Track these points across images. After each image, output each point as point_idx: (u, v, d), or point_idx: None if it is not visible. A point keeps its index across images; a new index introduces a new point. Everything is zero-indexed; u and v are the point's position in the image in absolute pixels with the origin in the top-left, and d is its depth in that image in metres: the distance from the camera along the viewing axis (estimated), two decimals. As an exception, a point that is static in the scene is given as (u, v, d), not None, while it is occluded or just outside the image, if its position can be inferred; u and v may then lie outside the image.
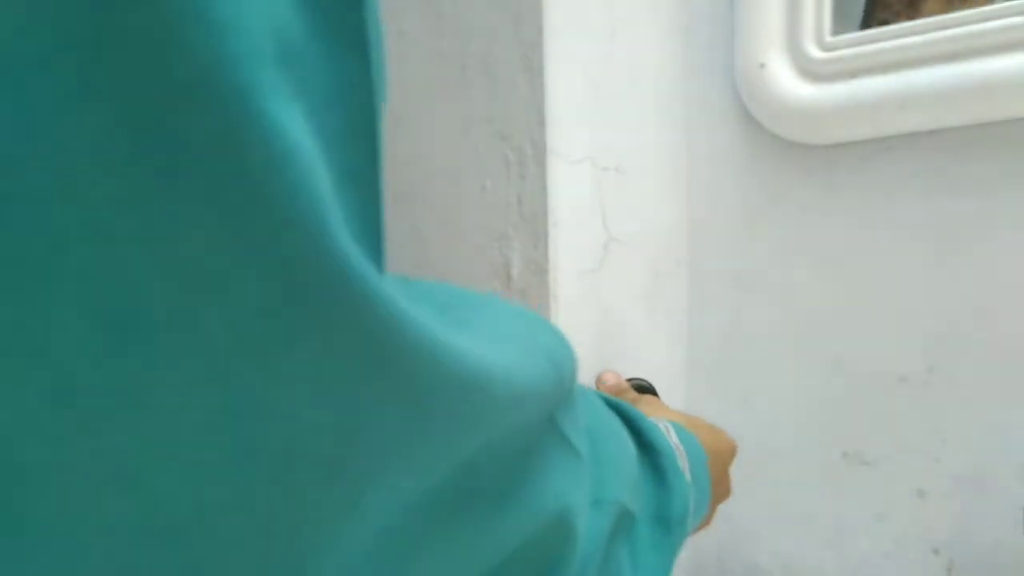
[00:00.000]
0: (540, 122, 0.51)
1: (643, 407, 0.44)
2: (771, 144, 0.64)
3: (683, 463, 0.36)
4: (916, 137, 0.59)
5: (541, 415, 0.22)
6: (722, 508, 0.67)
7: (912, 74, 0.56)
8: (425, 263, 0.57)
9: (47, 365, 0.11)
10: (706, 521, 0.44)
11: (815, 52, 0.60)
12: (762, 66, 0.61)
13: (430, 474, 0.17)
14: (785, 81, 0.61)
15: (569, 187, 0.53)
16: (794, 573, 0.66)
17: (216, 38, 0.11)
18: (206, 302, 0.12)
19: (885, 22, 0.60)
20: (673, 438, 0.37)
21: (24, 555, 0.12)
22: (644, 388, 0.55)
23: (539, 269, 0.52)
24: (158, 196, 0.11)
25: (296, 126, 0.12)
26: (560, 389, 0.22)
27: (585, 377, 0.54)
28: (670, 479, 0.34)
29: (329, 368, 0.14)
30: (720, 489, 0.44)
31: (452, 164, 0.55)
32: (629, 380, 0.54)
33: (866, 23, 0.63)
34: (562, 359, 0.22)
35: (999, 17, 0.53)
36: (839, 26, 0.61)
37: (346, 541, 0.15)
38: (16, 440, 0.12)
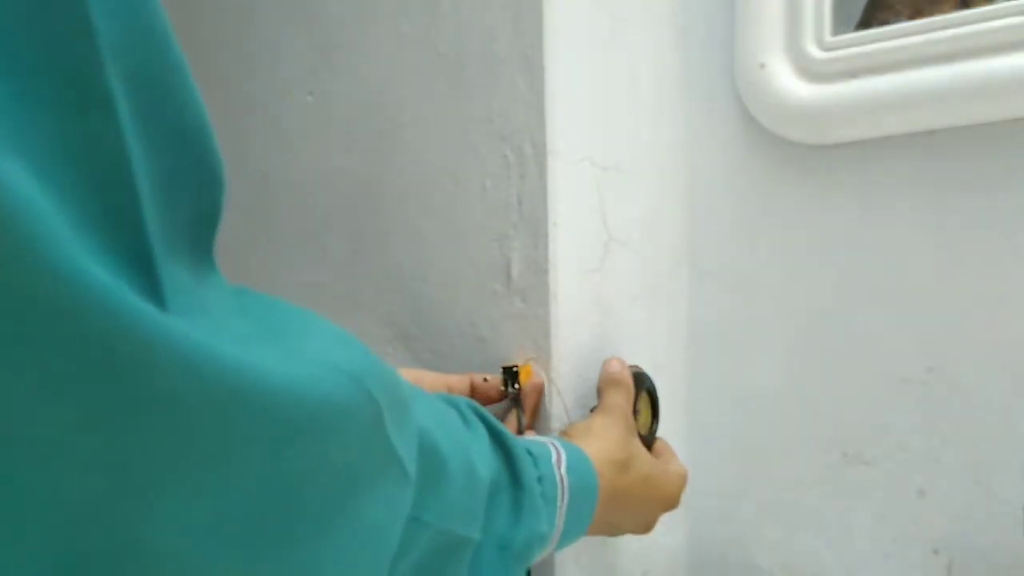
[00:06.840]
0: (540, 122, 0.51)
1: (581, 438, 0.46)
2: (771, 144, 0.64)
3: (561, 493, 0.39)
4: (916, 137, 0.59)
5: (361, 437, 0.22)
6: (722, 508, 0.67)
7: (912, 74, 0.56)
8: (425, 263, 0.57)
9: None
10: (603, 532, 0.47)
11: (815, 52, 0.60)
12: (762, 66, 0.61)
13: (227, 493, 0.17)
14: (785, 81, 0.61)
15: (569, 187, 0.53)
16: (794, 573, 0.66)
17: None
18: None
19: (886, 22, 0.60)
20: (561, 469, 0.40)
21: None
22: (640, 375, 0.54)
23: (539, 269, 0.52)
24: None
25: (17, 178, 0.13)
26: (369, 408, 0.22)
27: (588, 369, 0.54)
28: (524, 512, 0.36)
29: (76, 383, 0.14)
30: (630, 524, 0.49)
31: (452, 164, 0.55)
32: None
33: (865, 23, 0.63)
34: (367, 374, 0.22)
35: (999, 17, 0.53)
36: (839, 26, 0.60)
37: (128, 567, 0.16)
38: None
